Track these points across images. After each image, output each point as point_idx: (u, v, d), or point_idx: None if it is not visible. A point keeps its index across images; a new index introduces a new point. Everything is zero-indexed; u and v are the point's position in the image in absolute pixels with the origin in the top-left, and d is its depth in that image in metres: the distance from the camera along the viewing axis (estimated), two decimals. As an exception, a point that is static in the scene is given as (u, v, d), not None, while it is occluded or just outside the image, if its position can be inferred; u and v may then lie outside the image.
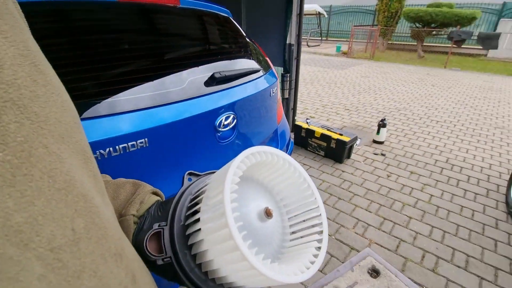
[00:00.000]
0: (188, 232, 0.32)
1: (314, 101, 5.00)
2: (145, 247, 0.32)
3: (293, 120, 3.39)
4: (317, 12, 11.99)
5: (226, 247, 0.27)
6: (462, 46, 9.60)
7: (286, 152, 1.82)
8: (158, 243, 0.32)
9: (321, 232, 0.35)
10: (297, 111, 4.39)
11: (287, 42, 2.84)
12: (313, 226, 0.36)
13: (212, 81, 1.07)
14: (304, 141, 3.07)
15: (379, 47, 11.58)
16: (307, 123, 3.07)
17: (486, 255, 1.74)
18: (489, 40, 8.77)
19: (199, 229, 0.30)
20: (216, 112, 1.06)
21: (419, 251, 1.76)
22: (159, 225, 0.33)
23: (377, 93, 5.62)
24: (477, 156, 3.05)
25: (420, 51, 10.50)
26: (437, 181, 2.55)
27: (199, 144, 1.04)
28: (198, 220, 0.31)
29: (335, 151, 2.78)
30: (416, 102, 5.05)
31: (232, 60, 1.30)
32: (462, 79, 7.15)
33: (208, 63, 1.14)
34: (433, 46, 11.55)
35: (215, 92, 1.07)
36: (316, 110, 4.52)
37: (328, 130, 2.91)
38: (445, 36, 10.27)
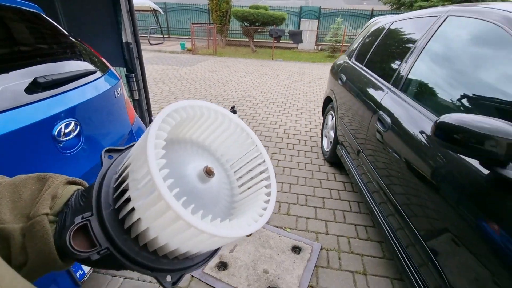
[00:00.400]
0: (121, 215, 0.29)
1: (169, 99, 4.99)
2: (69, 246, 0.27)
3: (150, 121, 3.30)
4: (152, 9, 11.62)
5: (167, 219, 0.24)
6: (280, 41, 11.97)
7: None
8: (87, 236, 0.28)
9: (268, 177, 0.34)
10: (153, 112, 4.26)
11: (124, 40, 2.69)
12: (259, 173, 0.35)
13: (35, 87, 0.94)
14: (166, 139, 3.07)
15: (220, 44, 12.64)
16: (165, 121, 3.08)
17: (316, 191, 2.42)
18: (296, 36, 11.38)
19: (133, 209, 0.27)
20: (51, 120, 0.95)
21: (276, 204, 2.23)
22: (82, 217, 0.28)
23: (225, 85, 6.23)
24: (302, 124, 4.04)
25: (253, 46, 12.28)
26: (280, 148, 3.23)
27: (37, 160, 0.91)
28: (129, 199, 0.28)
29: (198, 142, 2.96)
30: (257, 89, 5.98)
31: (58, 63, 1.17)
32: (285, 67, 8.99)
33: (25, 67, 0.98)
34: (261, 41, 13.75)
35: (44, 99, 0.95)
36: (172, 108, 4.54)
37: (187, 124, 3.03)
38: (267, 33, 12.47)
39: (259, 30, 12.52)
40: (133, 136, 1.60)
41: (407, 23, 1.90)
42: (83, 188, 0.35)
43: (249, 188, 0.36)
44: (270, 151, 3.13)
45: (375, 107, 1.72)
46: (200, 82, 6.40)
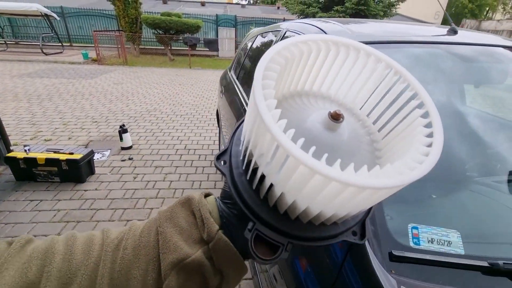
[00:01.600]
0: (271, 202, 0.28)
1: (53, 120, 4.23)
2: (259, 259, 0.28)
3: (8, 151, 2.66)
4: (43, 14, 10.03)
5: (315, 187, 0.22)
6: (197, 49, 11.74)
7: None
8: (261, 239, 0.29)
9: (427, 113, 0.27)
10: (28, 136, 3.55)
11: None
12: (410, 110, 0.29)
13: None
14: (28, 173, 2.51)
15: (133, 52, 11.70)
16: (26, 151, 2.52)
17: (206, 212, 2.27)
18: (212, 44, 11.33)
19: (272, 186, 0.26)
20: None
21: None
22: (249, 230, 0.28)
23: (129, 99, 5.67)
24: (207, 137, 3.88)
25: (170, 54, 11.72)
26: (177, 167, 2.98)
27: None
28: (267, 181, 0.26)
29: (71, 172, 2.50)
30: (165, 101, 5.61)
31: None
32: (202, 76, 8.79)
33: None
34: (179, 49, 13.25)
35: None
36: (54, 130, 3.84)
37: (55, 152, 2.54)
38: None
39: (174, 38, 12.03)
40: None
41: (267, 35, 1.91)
42: (216, 197, 0.37)
43: (393, 128, 0.29)
44: (164, 172, 2.86)
45: (239, 116, 1.65)
46: (100, 97, 5.68)
